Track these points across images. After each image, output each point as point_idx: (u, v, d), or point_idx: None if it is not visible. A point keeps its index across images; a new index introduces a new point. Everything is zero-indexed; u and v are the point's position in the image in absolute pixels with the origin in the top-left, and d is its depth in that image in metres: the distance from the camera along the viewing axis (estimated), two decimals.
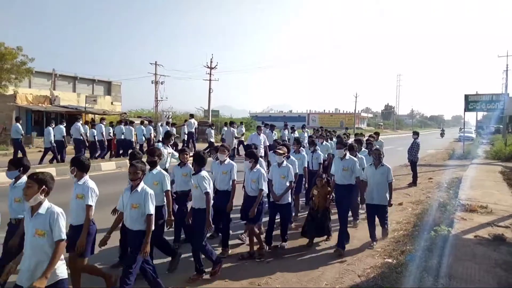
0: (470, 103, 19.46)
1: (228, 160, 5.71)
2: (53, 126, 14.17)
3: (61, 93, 29.37)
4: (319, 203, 6.17)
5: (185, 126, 18.25)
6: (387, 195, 6.18)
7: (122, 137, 15.35)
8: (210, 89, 33.81)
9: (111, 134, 15.92)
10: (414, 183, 11.63)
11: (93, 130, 14.73)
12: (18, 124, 13.45)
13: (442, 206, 7.85)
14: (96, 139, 14.60)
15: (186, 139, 17.96)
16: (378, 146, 11.22)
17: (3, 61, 25.68)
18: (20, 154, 12.65)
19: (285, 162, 5.99)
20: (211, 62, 34.21)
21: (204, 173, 4.84)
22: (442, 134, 44.24)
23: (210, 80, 33.99)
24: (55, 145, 13.48)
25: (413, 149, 11.88)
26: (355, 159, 6.46)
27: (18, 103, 21.72)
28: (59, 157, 13.54)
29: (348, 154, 6.41)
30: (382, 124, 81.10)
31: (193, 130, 18.20)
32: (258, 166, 5.60)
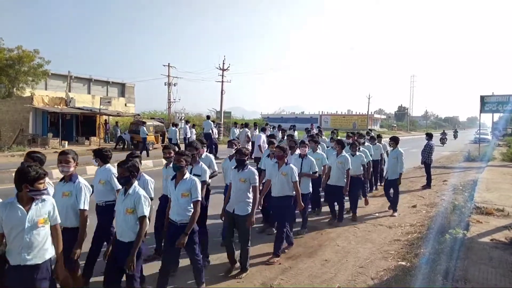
0: (486, 104, 19.07)
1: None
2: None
3: (76, 95, 29.96)
4: None
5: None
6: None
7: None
8: (222, 90, 33.92)
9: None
10: (428, 185, 11.49)
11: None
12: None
13: (457, 208, 7.71)
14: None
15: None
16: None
17: (21, 63, 26.36)
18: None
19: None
20: (223, 63, 34.31)
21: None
22: (442, 140, 32.49)
23: (222, 81, 34.09)
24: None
25: (426, 151, 11.73)
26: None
27: (34, 104, 22.17)
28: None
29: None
30: (395, 125, 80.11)
31: (210, 131, 18.64)
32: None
